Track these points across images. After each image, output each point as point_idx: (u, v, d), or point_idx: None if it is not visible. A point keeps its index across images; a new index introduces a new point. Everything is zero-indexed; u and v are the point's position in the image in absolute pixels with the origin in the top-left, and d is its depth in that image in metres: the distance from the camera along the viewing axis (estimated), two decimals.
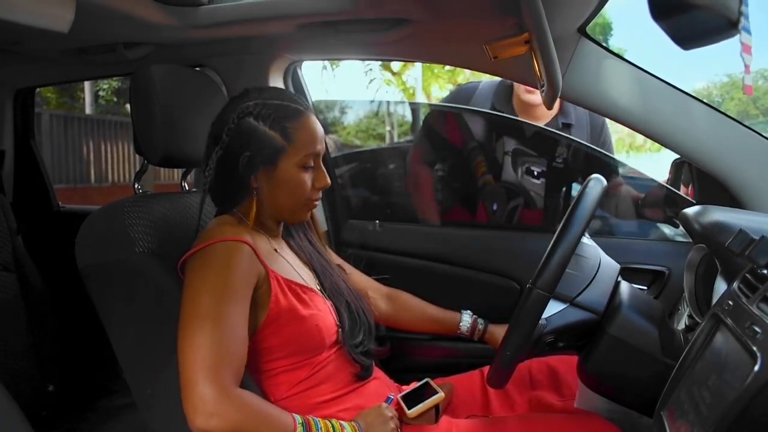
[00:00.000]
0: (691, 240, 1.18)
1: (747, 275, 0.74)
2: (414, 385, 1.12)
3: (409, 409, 1.05)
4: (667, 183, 1.60)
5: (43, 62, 1.73)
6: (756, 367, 0.58)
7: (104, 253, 1.08)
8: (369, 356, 1.11)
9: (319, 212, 1.63)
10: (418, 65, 10.99)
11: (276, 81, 1.57)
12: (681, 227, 1.41)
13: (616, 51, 1.24)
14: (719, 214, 0.87)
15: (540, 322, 0.90)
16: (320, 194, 1.07)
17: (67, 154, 7.29)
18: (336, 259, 1.27)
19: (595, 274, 0.99)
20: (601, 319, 0.96)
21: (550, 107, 1.18)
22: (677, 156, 1.33)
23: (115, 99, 9.19)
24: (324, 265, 1.16)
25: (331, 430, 0.94)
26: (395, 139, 8.72)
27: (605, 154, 1.75)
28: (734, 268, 0.80)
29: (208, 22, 1.28)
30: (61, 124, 7.23)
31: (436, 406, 1.07)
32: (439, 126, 1.99)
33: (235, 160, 1.01)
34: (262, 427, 0.87)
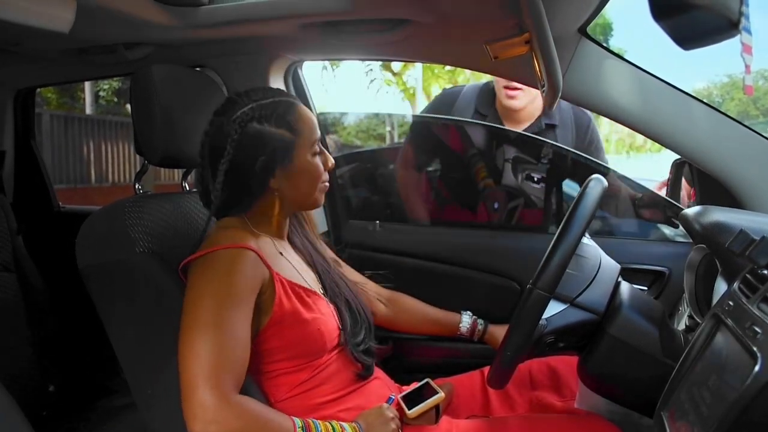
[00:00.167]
0: (691, 240, 1.18)
1: (747, 275, 0.74)
2: (414, 385, 1.12)
3: (409, 409, 1.05)
4: (667, 183, 1.59)
5: (43, 62, 1.73)
6: (756, 368, 0.58)
7: (104, 254, 1.07)
8: (370, 355, 1.11)
9: (319, 212, 1.63)
10: (419, 65, 11.02)
11: (276, 81, 1.57)
12: (681, 227, 1.41)
13: (616, 51, 1.24)
14: (719, 215, 0.87)
15: (540, 322, 0.90)
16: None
17: (67, 155, 7.29)
18: (330, 254, 1.26)
19: (596, 274, 0.99)
20: (601, 320, 0.96)
21: (550, 108, 1.17)
22: (677, 156, 1.33)
23: (115, 99, 9.20)
24: (324, 264, 1.17)
25: (331, 431, 0.94)
26: (395, 140, 8.72)
27: (589, 158, 1.69)
28: (735, 268, 0.80)
29: (208, 23, 1.28)
30: (62, 124, 7.24)
31: (437, 407, 1.07)
32: (426, 130, 1.99)
33: (248, 168, 1.00)
34: None
